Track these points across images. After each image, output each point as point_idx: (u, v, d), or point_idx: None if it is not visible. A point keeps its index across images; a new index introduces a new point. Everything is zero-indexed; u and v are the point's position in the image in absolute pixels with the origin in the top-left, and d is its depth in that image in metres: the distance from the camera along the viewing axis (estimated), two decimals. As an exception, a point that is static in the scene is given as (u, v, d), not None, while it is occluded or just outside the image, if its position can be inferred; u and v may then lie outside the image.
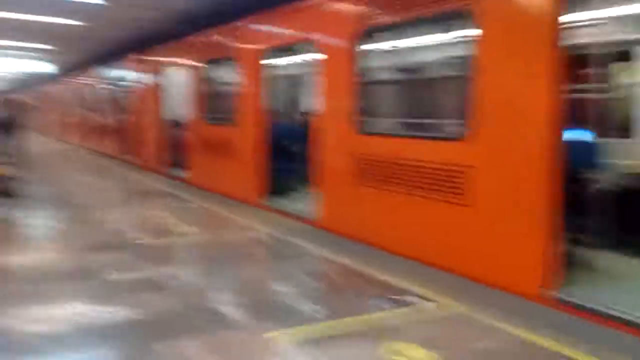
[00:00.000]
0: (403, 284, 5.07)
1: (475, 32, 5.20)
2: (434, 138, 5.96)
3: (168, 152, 13.75)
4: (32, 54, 20.49)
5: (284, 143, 10.19)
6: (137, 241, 6.64)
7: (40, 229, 7.15)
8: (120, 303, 4.39)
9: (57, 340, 3.71)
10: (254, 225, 7.59)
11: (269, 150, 9.10)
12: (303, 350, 3.63)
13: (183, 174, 12.56)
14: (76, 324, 3.96)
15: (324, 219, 7.49)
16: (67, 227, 7.20)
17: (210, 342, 3.72)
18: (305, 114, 12.28)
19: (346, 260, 5.86)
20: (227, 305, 4.48)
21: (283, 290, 4.92)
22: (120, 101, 17.54)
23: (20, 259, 5.73)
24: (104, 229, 7.40)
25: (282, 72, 12.01)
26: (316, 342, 3.77)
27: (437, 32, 7.52)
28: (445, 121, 6.58)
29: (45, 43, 17.44)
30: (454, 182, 5.43)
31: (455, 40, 7.00)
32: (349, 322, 4.15)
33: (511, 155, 4.88)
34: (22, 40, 17.05)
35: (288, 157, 10.26)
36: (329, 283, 5.17)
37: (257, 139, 9.10)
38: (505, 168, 4.96)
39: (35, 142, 23.99)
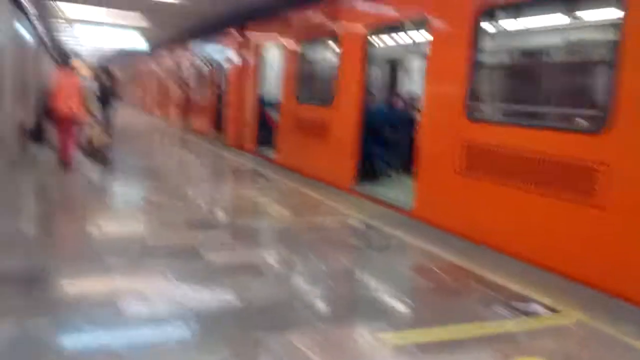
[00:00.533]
0: (521, 288, 4.58)
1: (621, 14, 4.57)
2: (562, 129, 5.36)
3: (258, 131, 13.65)
4: (127, 30, 21.03)
5: (378, 127, 9.80)
6: (232, 220, 6.49)
7: (135, 201, 7.18)
8: (219, 285, 4.19)
9: (158, 323, 3.53)
10: (347, 211, 7.26)
11: (364, 134, 8.72)
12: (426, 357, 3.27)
13: (272, 154, 12.43)
14: (177, 305, 3.77)
15: (421, 209, 7.05)
16: (161, 201, 7.16)
17: (320, 338, 3.42)
18: (403, 97, 11.82)
19: (451, 257, 5.42)
20: (331, 298, 4.18)
21: (388, 286, 4.56)
22: (212, 78, 17.63)
23: (119, 230, 5.71)
24: (198, 205, 7.33)
25: (382, 53, 11.53)
26: (437, 348, 3.39)
27: (571, 13, 6.83)
28: (577, 111, 5.93)
29: (140, 20, 17.77)
30: (583, 180, 4.84)
31: (595, 23, 6.31)
32: (468, 330, 3.73)
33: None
34: (118, 18, 17.44)
35: (383, 142, 9.87)
36: (438, 282, 4.74)
37: (353, 122, 8.74)
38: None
39: (130, 115, 24.89)
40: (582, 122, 5.52)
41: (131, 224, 5.96)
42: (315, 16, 10.35)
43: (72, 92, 8.95)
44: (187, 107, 21.12)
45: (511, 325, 3.84)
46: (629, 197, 4.48)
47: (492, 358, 3.31)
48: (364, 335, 3.49)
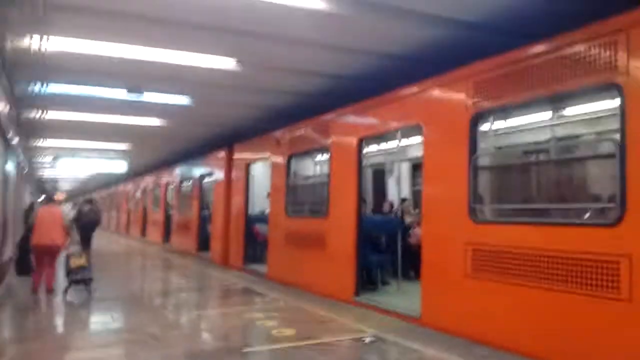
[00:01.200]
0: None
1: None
2: (578, 225, 5.28)
3: (245, 247, 13.41)
4: (108, 154, 21.14)
5: (373, 235, 9.69)
6: (238, 347, 6.06)
7: (125, 333, 6.65)
8: None
9: None
10: (355, 325, 6.90)
11: (361, 243, 8.55)
12: None
13: (260, 269, 12.12)
14: None
15: (430, 315, 6.76)
16: (154, 332, 6.67)
17: None
18: (390, 202, 11.84)
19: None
20: None
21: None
22: (196, 197, 17.58)
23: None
24: (195, 334, 6.89)
25: (369, 161, 11.68)
26: None
27: (570, 107, 7.02)
28: (591, 205, 5.90)
29: (122, 142, 17.92)
30: (604, 273, 4.69)
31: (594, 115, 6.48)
32: None
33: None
34: (101, 141, 17.57)
35: (378, 249, 9.72)
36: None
37: (350, 231, 8.59)
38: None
39: (110, 239, 24.43)
40: (598, 216, 5.46)
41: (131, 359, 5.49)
42: (306, 131, 10.51)
43: (55, 224, 9.32)
44: (170, 227, 20.91)
45: None
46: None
47: None
48: None
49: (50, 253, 9.35)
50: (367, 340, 6.24)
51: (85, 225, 16.67)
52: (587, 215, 5.67)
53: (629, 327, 4.49)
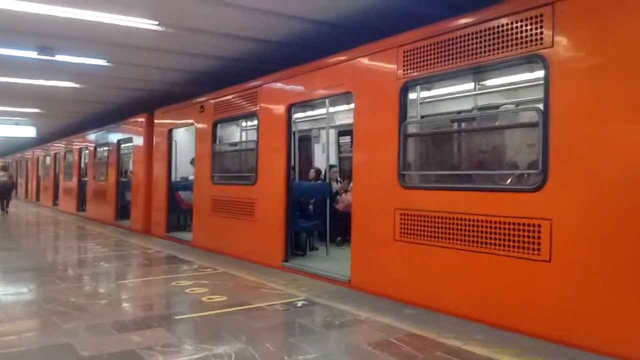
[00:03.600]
0: (488, 352, 4.53)
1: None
2: (501, 190, 5.56)
3: (168, 215, 13.13)
4: (15, 118, 19.86)
5: (302, 201, 9.76)
6: (167, 315, 5.97)
7: (48, 304, 6.33)
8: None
9: None
10: (287, 290, 6.98)
11: (290, 209, 8.60)
12: None
13: (184, 237, 11.95)
14: None
15: (360, 279, 6.96)
16: (78, 303, 6.42)
17: None
18: (316, 169, 11.93)
19: (407, 326, 5.31)
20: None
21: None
22: (113, 163, 16.92)
23: (42, 339, 4.99)
24: (122, 304, 6.70)
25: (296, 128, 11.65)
26: None
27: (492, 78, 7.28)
28: (515, 172, 6.21)
29: (31, 106, 16.86)
30: (527, 236, 5.00)
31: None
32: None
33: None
34: (6, 104, 16.45)
35: (307, 215, 9.82)
36: (404, 356, 4.55)
37: (280, 198, 8.60)
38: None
39: (20, 206, 23.10)
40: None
41: (54, 332, 5.25)
42: (231, 97, 10.31)
43: None
44: (85, 195, 20.08)
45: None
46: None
47: None
48: None
49: None
50: (299, 304, 6.34)
51: (2, 189, 20.33)
52: (509, 181, 5.99)
53: (549, 285, 4.83)
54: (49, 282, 7.76)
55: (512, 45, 5.20)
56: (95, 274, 8.76)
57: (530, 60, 5.16)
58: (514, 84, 7.35)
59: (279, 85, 8.98)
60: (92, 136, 19.45)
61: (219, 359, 4.45)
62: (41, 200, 27.93)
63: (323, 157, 11.99)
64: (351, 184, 7.80)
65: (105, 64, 10.52)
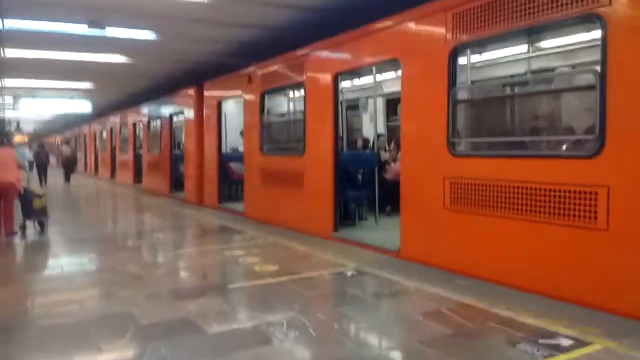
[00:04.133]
0: (541, 323, 4.45)
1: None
2: (556, 157, 5.37)
3: (220, 186, 13.36)
4: (71, 93, 20.48)
5: (350, 171, 9.73)
6: (222, 284, 6.13)
7: (108, 274, 6.61)
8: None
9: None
10: (337, 260, 7.03)
11: (339, 179, 8.59)
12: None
13: (236, 207, 12.16)
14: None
15: (409, 249, 6.92)
16: (136, 272, 6.67)
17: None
18: (364, 138, 11.85)
19: (458, 296, 5.27)
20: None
21: (407, 337, 4.32)
22: (167, 136, 17.29)
23: (102, 307, 5.22)
24: (178, 273, 6.92)
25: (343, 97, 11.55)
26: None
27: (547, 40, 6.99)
28: (571, 138, 5.99)
29: (85, 81, 17.33)
30: (583, 204, 4.83)
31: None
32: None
33: None
34: (62, 80, 16.96)
35: (355, 185, 9.79)
36: (454, 326, 4.52)
37: (328, 169, 8.60)
38: None
39: (80, 182, 24.05)
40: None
41: (114, 300, 5.49)
42: (278, 66, 10.29)
43: (6, 164, 9.22)
44: (140, 168, 20.66)
45: (549, 365, 3.67)
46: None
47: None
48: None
49: (4, 193, 9.17)
50: (349, 273, 6.38)
51: (38, 165, 22.00)
52: (565, 147, 5.77)
53: (606, 255, 4.67)
54: (108, 252, 8.09)
55: (567, 3, 4.94)
56: (152, 244, 9.06)
57: (587, 20, 4.91)
58: (570, 46, 7.02)
59: (325, 53, 8.89)
60: (145, 110, 19.88)
61: (271, 327, 4.55)
62: (99, 173, 28.94)
63: (371, 126, 11.87)
64: (399, 153, 7.69)
65: (154, 37, 10.66)
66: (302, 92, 9.80)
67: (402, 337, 4.46)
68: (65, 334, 4.48)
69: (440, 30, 6.40)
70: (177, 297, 5.56)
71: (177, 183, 16.57)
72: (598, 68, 4.72)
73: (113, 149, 25.56)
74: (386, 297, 5.50)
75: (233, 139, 13.89)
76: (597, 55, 4.87)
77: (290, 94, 11.34)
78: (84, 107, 22.48)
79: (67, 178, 23.12)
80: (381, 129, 12.25)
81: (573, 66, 7.15)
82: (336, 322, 4.75)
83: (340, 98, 9.36)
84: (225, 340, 4.28)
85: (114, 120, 24.89)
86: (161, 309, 5.16)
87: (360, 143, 11.78)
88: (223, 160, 13.41)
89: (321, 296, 5.71)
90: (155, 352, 4.00)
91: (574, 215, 4.89)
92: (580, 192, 4.83)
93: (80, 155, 34.42)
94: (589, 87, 4.89)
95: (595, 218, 4.71)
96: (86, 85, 18.05)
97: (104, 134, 27.44)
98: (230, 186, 13.69)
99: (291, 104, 11.24)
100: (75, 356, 3.95)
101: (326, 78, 8.72)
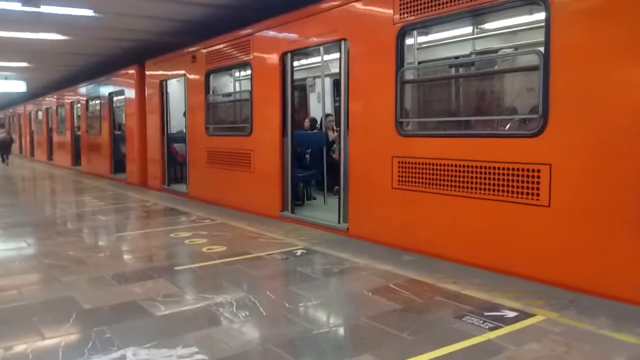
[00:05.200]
0: (486, 296, 4.59)
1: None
2: (500, 136, 5.50)
3: (164, 167, 13.07)
4: (4, 73, 19.48)
5: (298, 151, 9.70)
6: (168, 267, 6.00)
7: (46, 259, 6.36)
8: (180, 342, 3.75)
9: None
10: (286, 240, 7.02)
11: (287, 159, 8.54)
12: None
13: (182, 188, 11.94)
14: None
15: (358, 227, 6.99)
16: (77, 256, 6.44)
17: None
18: (310, 119, 11.83)
19: (406, 272, 5.39)
20: (304, 337, 3.91)
21: (357, 313, 4.36)
22: (106, 116, 16.72)
23: (42, 292, 5.02)
24: (122, 256, 6.73)
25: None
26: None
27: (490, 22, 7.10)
28: (514, 117, 6.14)
29: (19, 60, 16.50)
30: (526, 181, 4.99)
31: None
32: (455, 349, 3.62)
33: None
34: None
35: (303, 165, 9.78)
36: (403, 301, 4.60)
37: (275, 149, 8.53)
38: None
39: (16, 165, 23.01)
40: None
41: (55, 286, 5.28)
42: (224, 45, 10.08)
43: None
44: (79, 148, 19.96)
45: (494, 336, 3.79)
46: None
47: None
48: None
49: None
50: (298, 252, 6.39)
51: (1, 144, 23.55)
52: (508, 126, 5.93)
53: (548, 230, 4.85)
54: (48, 236, 7.78)
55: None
56: (94, 227, 8.78)
57: (531, 2, 5.02)
58: (513, 27, 7.18)
59: (271, 33, 8.77)
60: (83, 89, 19.15)
61: (221, 308, 4.50)
62: (36, 156, 27.78)
63: (319, 106, 11.85)
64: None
65: (92, 14, 10.21)
66: (248, 71, 9.65)
67: (351, 313, 4.50)
68: (3, 320, 4.28)
69: (387, 10, 6.41)
70: (121, 280, 5.41)
71: (118, 165, 16.10)
72: (541, 49, 4.84)
73: (50, 130, 24.55)
74: (335, 274, 5.54)
75: (178, 121, 13.59)
76: (539, 37, 5.00)
77: (236, 74, 11.16)
78: (19, 87, 21.41)
79: (3, 159, 23.49)
80: (329, 108, 12.25)
81: (515, 48, 7.32)
82: (286, 301, 4.75)
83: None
84: (173, 322, 4.20)
85: (51, 100, 23.88)
86: (105, 292, 5.01)
87: (307, 123, 11.75)
88: (167, 141, 13.10)
89: (271, 276, 5.69)
90: (101, 336, 3.88)
91: (518, 192, 5.04)
92: (523, 170, 4.98)
93: (14, 137, 32.95)
94: (533, 68, 5.02)
95: (538, 195, 4.87)
96: (21, 64, 17.18)
97: (40, 114, 26.30)
98: (175, 168, 13.42)
99: (237, 84, 11.08)
100: (16, 343, 3.78)
101: (273, 57, 8.61)
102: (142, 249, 7.08)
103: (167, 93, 13.02)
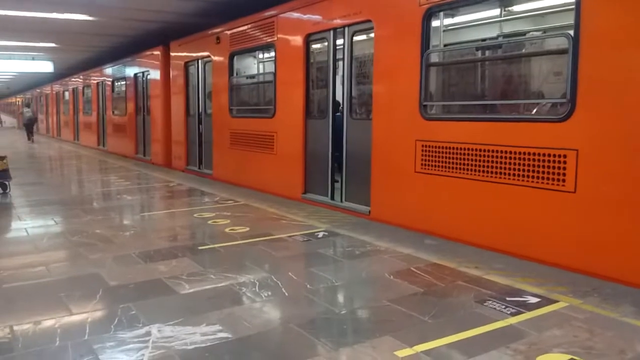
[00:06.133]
0: (508, 281, 4.57)
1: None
2: (526, 120, 5.42)
3: (188, 148, 13.18)
4: (32, 53, 19.75)
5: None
6: (193, 246, 6.09)
7: (74, 236, 6.49)
8: (204, 320, 3.82)
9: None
10: (308, 222, 7.06)
11: (312, 141, 8.54)
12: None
13: (206, 170, 12.03)
14: (171, 351, 3.39)
15: (380, 211, 6.98)
16: (104, 234, 6.57)
17: (335, 365, 3.19)
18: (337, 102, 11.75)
19: (428, 256, 5.38)
20: (327, 319, 3.95)
21: (379, 296, 4.38)
22: (132, 97, 16.88)
23: (69, 269, 5.14)
24: (148, 235, 6.83)
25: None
26: (455, 357, 3.24)
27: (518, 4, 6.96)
28: (541, 101, 6.04)
29: (47, 41, 16.71)
30: (552, 167, 4.92)
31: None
32: (476, 333, 3.61)
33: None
34: (23, 40, 16.32)
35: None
36: (425, 285, 4.61)
37: (299, 131, 8.54)
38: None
39: (43, 144, 23.41)
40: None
41: (82, 263, 5.40)
42: (248, 27, 10.06)
43: None
44: (105, 130, 20.22)
45: (515, 321, 3.77)
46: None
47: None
48: (378, 358, 3.27)
49: None
50: (320, 235, 6.42)
51: (27, 122, 26.38)
52: (535, 111, 5.84)
53: (573, 216, 4.79)
54: (75, 214, 7.94)
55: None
56: (120, 206, 8.92)
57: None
58: (542, 10, 7.03)
59: (296, 14, 8.73)
60: (109, 70, 19.34)
61: (243, 287, 4.56)
62: (62, 136, 28.23)
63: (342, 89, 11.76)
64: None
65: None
66: (272, 53, 9.64)
67: (372, 295, 4.52)
68: (32, 296, 4.40)
69: (414, -9, 6.32)
70: (147, 258, 5.50)
71: (144, 145, 16.29)
72: (571, 32, 4.74)
73: (76, 111, 24.89)
74: (357, 257, 5.56)
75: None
76: (568, 20, 4.89)
77: (260, 55, 11.15)
78: (46, 67, 21.70)
79: (29, 137, 26.03)
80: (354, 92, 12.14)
81: (544, 30, 7.17)
82: (308, 282, 4.79)
83: (312, 60, 9.23)
84: (197, 300, 4.27)
85: (78, 80, 24.18)
86: (131, 270, 5.10)
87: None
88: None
89: (293, 257, 5.74)
90: (127, 312, 3.96)
91: (543, 178, 4.98)
92: (549, 155, 4.92)
93: (42, 117, 33.51)
94: (562, 51, 4.92)
95: (564, 181, 4.80)
96: (48, 44, 17.39)
97: (67, 95, 26.67)
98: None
99: (261, 66, 11.07)
100: (45, 318, 3.89)
101: (297, 40, 8.58)
102: (166, 229, 7.18)
103: (191, 74, 13.06)
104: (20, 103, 40.79)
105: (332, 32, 7.85)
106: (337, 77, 13.16)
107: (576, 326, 3.66)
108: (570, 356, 3.21)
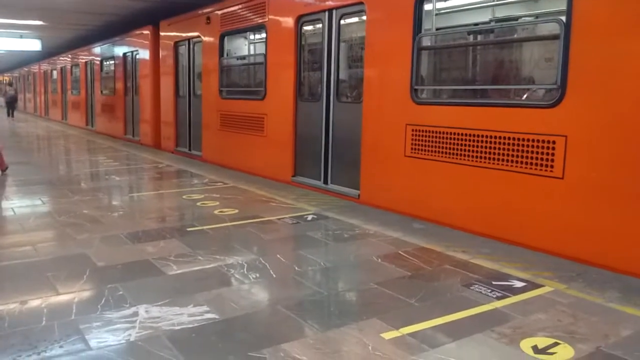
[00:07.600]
0: (496, 266, 4.61)
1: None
2: (516, 106, 5.42)
3: (177, 129, 13.10)
4: (19, 30, 19.44)
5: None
6: (181, 227, 6.07)
7: (61, 217, 6.45)
8: (191, 301, 3.82)
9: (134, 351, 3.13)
10: (297, 205, 7.06)
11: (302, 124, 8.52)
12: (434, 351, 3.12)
13: (195, 151, 11.98)
14: (151, 330, 3.38)
15: (369, 194, 7.00)
16: (91, 215, 6.53)
17: (316, 345, 3.20)
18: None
19: (416, 240, 5.41)
20: (314, 300, 3.97)
21: (367, 279, 4.40)
22: (121, 77, 16.70)
23: (56, 249, 5.11)
24: (136, 216, 6.80)
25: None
26: (441, 340, 3.27)
27: None
28: (531, 87, 6.04)
29: (34, 18, 16.44)
30: (540, 152, 4.94)
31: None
32: (462, 317, 3.65)
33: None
34: (9, 16, 16.04)
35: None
36: (412, 268, 4.64)
37: (289, 114, 8.50)
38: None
39: (26, 121, 23.17)
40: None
41: (69, 243, 5.37)
42: (239, 7, 9.95)
43: None
44: (93, 109, 20.04)
45: (501, 305, 3.81)
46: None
47: (498, 343, 3.23)
48: (364, 339, 3.29)
49: None
50: (309, 217, 6.42)
51: (10, 100, 28.99)
52: (525, 96, 5.84)
53: (560, 202, 4.82)
54: (62, 194, 7.88)
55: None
56: (108, 187, 8.87)
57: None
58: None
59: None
60: (98, 49, 19.10)
61: (232, 269, 4.56)
62: (50, 115, 27.95)
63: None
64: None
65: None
66: (263, 34, 9.56)
67: (360, 278, 4.55)
68: (18, 275, 4.38)
69: (406, -27, 6.27)
70: (135, 239, 5.49)
71: (132, 125, 16.17)
72: (563, 18, 4.73)
73: (64, 90, 24.63)
74: (345, 240, 5.57)
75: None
76: (560, 6, 4.88)
77: (251, 36, 11.04)
78: (34, 45, 21.37)
79: (10, 113, 28.71)
80: (343, 75, 12.10)
81: (536, 16, 7.15)
82: (296, 264, 4.80)
83: (303, 42, 9.16)
84: (184, 281, 4.27)
85: (66, 59, 23.88)
86: (119, 251, 5.09)
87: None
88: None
89: (281, 239, 5.74)
90: (114, 293, 3.96)
91: (532, 163, 5.00)
92: (538, 141, 4.93)
93: (29, 96, 33.15)
94: (553, 37, 4.91)
95: (552, 166, 4.83)
96: (36, 22, 17.12)
97: (55, 74, 26.35)
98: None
99: (252, 47, 10.97)
100: (31, 297, 3.87)
101: (288, 21, 8.50)
102: (155, 210, 7.16)
103: (181, 54, 12.93)
104: (6, 83, 40.44)
105: (327, 13, 7.77)
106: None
107: (560, 310, 3.71)
108: (554, 340, 3.25)
